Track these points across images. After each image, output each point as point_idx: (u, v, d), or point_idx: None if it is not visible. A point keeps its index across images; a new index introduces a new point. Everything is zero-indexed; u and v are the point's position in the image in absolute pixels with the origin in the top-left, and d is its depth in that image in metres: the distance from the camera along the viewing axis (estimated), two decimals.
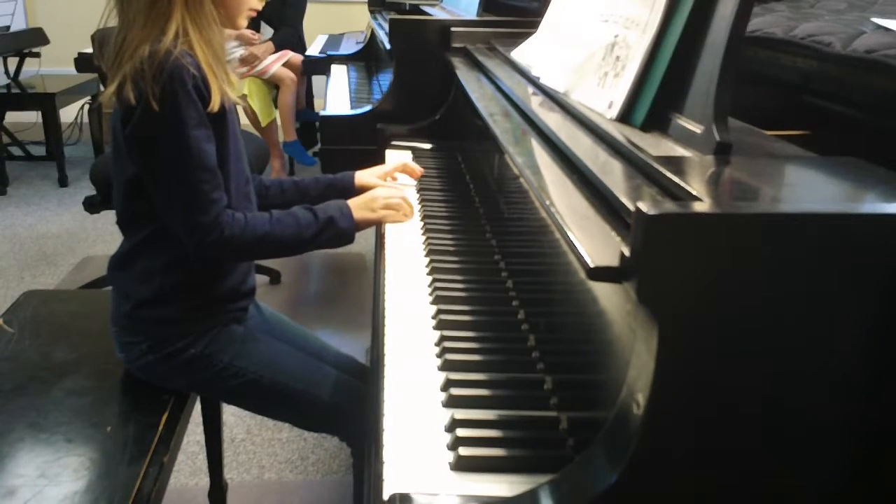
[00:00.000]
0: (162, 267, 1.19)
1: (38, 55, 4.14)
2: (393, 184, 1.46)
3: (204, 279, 1.22)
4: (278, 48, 3.75)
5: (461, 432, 0.73)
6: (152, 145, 1.11)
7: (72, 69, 3.49)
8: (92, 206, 2.46)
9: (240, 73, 3.55)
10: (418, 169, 1.49)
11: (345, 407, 1.25)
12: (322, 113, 1.94)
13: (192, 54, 1.10)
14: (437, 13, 2.20)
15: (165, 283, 1.20)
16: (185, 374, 1.24)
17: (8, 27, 4.40)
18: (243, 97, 3.60)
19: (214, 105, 1.11)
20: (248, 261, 1.31)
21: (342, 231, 1.23)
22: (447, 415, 0.77)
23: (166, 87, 1.06)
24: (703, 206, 0.56)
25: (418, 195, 1.46)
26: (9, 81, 4.00)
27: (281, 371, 1.24)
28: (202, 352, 1.22)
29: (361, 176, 1.43)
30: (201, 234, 1.13)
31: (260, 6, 1.23)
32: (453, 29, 1.74)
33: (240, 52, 3.64)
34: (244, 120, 3.86)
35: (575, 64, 1.03)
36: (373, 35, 2.98)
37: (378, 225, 1.32)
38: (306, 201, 1.38)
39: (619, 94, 0.90)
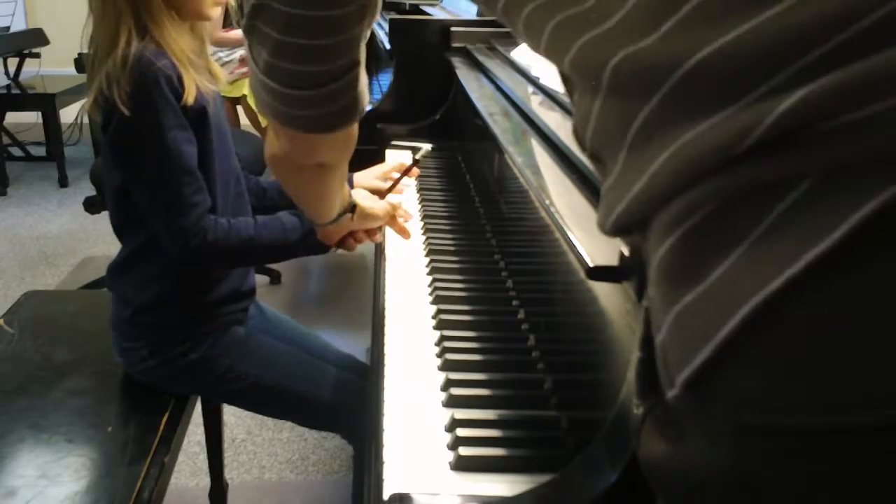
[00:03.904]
0: (159, 272, 1.18)
1: (38, 56, 4.14)
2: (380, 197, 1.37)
3: (203, 283, 1.22)
4: None
5: (461, 432, 0.73)
6: (131, 150, 1.10)
7: (72, 70, 3.49)
8: (92, 206, 2.46)
9: (239, 73, 3.55)
10: (415, 169, 1.48)
11: (347, 405, 1.24)
12: None
13: (165, 53, 1.07)
14: (437, 13, 2.20)
15: (164, 289, 1.19)
16: (187, 378, 1.24)
17: (8, 27, 4.40)
18: (243, 97, 3.60)
19: (188, 97, 1.08)
20: (234, 268, 1.27)
21: None
22: (447, 415, 0.77)
23: (140, 90, 1.05)
24: None
25: (418, 195, 1.46)
26: (9, 82, 4.00)
27: (282, 372, 1.24)
28: (203, 356, 1.21)
29: (361, 179, 1.41)
30: (184, 239, 1.10)
31: None
32: (453, 29, 1.74)
33: (240, 52, 3.64)
34: (244, 120, 3.85)
35: None
36: (372, 35, 2.98)
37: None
38: None
39: None
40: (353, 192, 1.12)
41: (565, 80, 0.46)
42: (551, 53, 0.43)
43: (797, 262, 0.30)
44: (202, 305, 1.22)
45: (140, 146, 1.09)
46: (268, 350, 1.27)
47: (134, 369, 1.24)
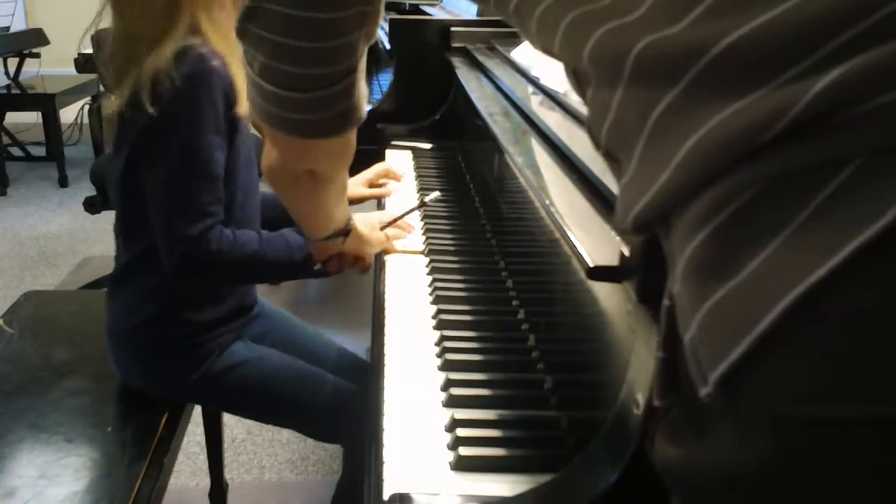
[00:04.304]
0: (163, 285, 1.14)
1: (38, 56, 4.14)
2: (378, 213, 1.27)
3: (206, 299, 1.19)
4: None
5: (461, 432, 0.73)
6: (160, 143, 1.06)
7: (72, 70, 3.49)
8: (92, 206, 2.46)
9: None
10: (399, 174, 1.46)
11: (344, 413, 1.21)
12: None
13: (218, 54, 1.04)
14: (437, 13, 2.20)
15: (166, 304, 1.16)
16: (183, 393, 1.23)
17: (8, 27, 4.39)
18: None
19: (242, 107, 1.05)
20: (232, 283, 1.22)
21: None
22: (447, 415, 0.77)
23: (189, 86, 1.01)
24: None
25: (418, 195, 1.46)
26: (9, 82, 4.00)
27: (281, 384, 1.22)
28: (202, 376, 1.19)
29: (350, 188, 1.38)
30: (185, 247, 1.05)
31: None
32: (453, 29, 1.74)
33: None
34: None
35: None
36: None
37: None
38: (285, 221, 1.32)
39: None
40: (355, 216, 1.08)
41: (577, 78, 0.45)
42: (566, 49, 0.43)
43: (841, 250, 0.29)
44: (201, 325, 1.19)
45: (173, 143, 1.05)
46: (266, 364, 1.23)
47: (129, 382, 1.22)
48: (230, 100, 1.05)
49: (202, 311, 1.19)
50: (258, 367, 1.23)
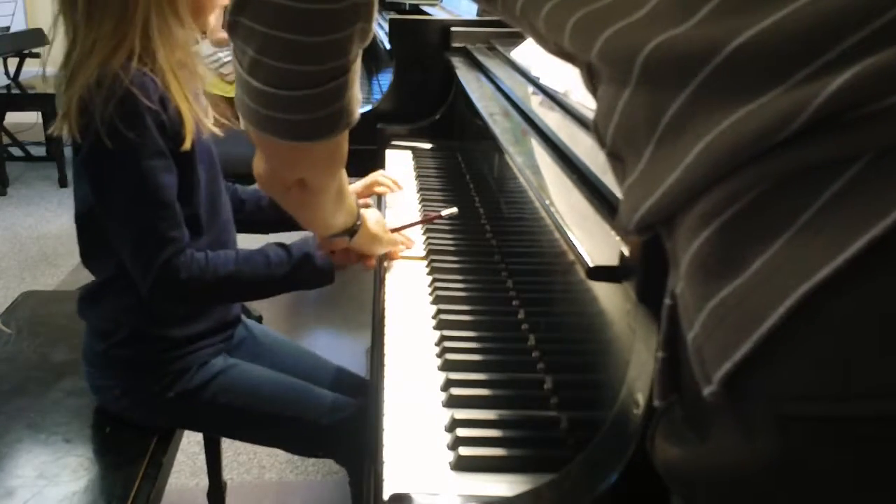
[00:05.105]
0: (133, 305, 1.11)
1: (38, 55, 4.14)
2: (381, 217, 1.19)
3: (182, 316, 1.15)
4: None
5: (461, 432, 0.73)
6: (103, 177, 1.02)
7: None
8: None
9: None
10: (390, 183, 1.38)
11: (341, 430, 1.17)
12: None
13: (154, 76, 1.00)
14: (437, 13, 2.20)
15: (139, 323, 1.13)
16: (166, 414, 1.18)
17: (8, 27, 4.39)
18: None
19: (187, 143, 1.01)
20: (212, 305, 1.19)
21: (320, 268, 1.11)
22: (447, 415, 0.77)
23: (117, 113, 0.96)
24: None
25: (418, 195, 1.45)
26: (9, 82, 4.00)
27: (269, 400, 1.17)
28: (180, 392, 1.15)
29: None
30: (154, 276, 1.02)
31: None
32: (453, 29, 1.74)
33: None
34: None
35: None
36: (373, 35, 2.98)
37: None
38: (286, 221, 1.25)
39: None
40: (367, 214, 1.05)
41: (590, 74, 0.45)
42: (576, 50, 0.42)
43: (848, 248, 0.29)
44: (180, 340, 1.15)
45: (113, 174, 1.02)
46: (252, 378, 1.20)
47: (109, 407, 1.18)
48: (164, 124, 1.01)
49: (177, 328, 1.15)
50: (242, 383, 1.18)
